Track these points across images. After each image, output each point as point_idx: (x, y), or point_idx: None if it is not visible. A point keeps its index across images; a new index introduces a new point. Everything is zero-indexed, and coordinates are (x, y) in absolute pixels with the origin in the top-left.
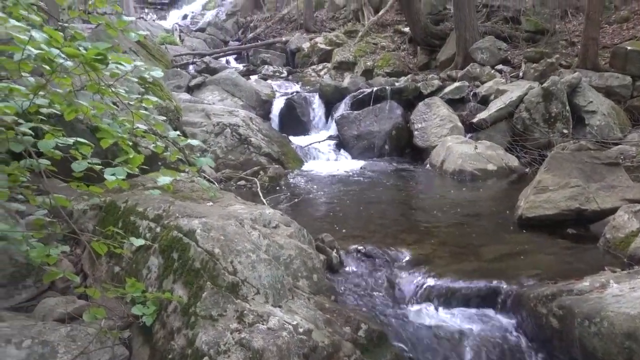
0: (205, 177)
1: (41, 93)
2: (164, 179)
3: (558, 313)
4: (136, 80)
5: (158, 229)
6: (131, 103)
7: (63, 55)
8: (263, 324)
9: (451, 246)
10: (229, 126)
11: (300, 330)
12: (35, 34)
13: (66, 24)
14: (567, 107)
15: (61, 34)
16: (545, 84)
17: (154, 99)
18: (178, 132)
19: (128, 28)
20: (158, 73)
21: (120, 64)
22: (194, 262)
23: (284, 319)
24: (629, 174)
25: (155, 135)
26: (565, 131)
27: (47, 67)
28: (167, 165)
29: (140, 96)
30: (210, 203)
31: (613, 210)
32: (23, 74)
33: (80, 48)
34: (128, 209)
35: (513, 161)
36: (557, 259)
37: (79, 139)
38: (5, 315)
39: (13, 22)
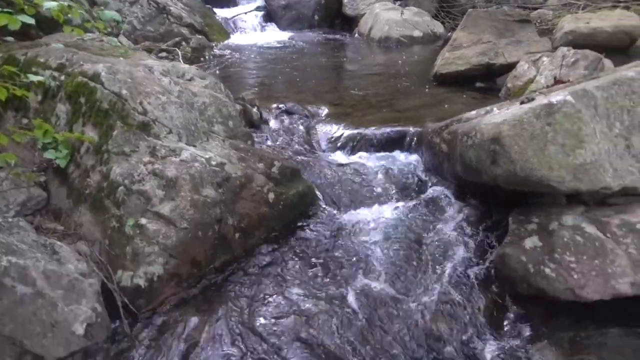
0: None
1: None
2: (49, 4)
3: (447, 138)
4: None
5: (62, 77)
6: None
7: None
8: (175, 157)
9: (369, 102)
10: None
11: (213, 163)
12: None
13: None
14: None
15: None
16: None
17: None
18: None
19: None
20: None
21: None
22: (101, 103)
23: (196, 153)
24: (544, 36)
25: None
26: None
27: None
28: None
29: None
30: (121, 59)
31: (518, 63)
32: None
33: None
34: (28, 60)
35: (438, 27)
36: (462, 107)
37: None
38: None
39: None
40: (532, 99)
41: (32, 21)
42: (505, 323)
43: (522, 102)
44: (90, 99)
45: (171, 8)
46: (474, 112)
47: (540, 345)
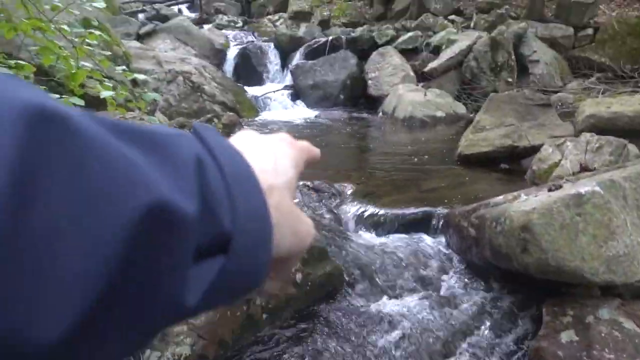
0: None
1: None
2: (106, 93)
3: (475, 222)
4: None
5: None
6: (75, 39)
7: None
8: None
9: (394, 181)
10: (181, 74)
11: None
12: None
13: None
14: (513, 57)
15: None
16: (492, 34)
17: (99, 33)
18: (124, 67)
19: None
20: (100, 4)
21: None
22: None
23: None
24: (566, 119)
25: (101, 73)
26: (509, 79)
27: None
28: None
29: (83, 30)
30: None
31: (542, 146)
32: None
33: None
34: None
35: (460, 108)
36: (487, 189)
37: (19, 61)
38: None
39: None
40: (560, 186)
41: (81, 103)
42: None
43: (549, 190)
44: None
45: (205, 87)
46: (501, 197)
47: None
